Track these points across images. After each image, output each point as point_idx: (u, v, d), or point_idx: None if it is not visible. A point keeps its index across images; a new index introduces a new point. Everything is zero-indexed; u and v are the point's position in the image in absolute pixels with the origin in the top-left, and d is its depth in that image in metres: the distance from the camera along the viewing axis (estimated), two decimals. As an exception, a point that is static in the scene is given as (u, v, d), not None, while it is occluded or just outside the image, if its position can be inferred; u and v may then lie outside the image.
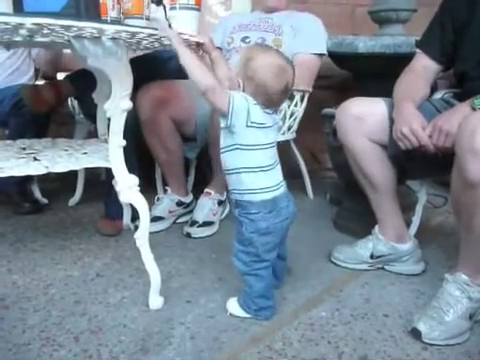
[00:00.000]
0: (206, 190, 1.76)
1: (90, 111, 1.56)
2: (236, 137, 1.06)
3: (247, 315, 1.16)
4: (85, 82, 1.50)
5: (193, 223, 1.69)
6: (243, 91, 1.06)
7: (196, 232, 1.67)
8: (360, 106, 1.34)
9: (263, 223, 1.09)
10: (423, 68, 1.36)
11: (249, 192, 1.08)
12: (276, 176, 1.12)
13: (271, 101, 1.06)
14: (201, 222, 1.69)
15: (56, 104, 1.80)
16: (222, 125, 1.06)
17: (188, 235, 1.67)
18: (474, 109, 1.07)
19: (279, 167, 1.14)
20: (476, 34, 1.25)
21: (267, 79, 1.03)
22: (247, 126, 1.04)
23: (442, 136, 1.11)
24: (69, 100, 2.14)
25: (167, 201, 1.80)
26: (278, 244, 1.15)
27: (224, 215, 1.78)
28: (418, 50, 1.39)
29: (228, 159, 1.10)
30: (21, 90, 1.73)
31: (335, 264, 1.48)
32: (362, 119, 1.31)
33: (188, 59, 1.04)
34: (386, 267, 1.44)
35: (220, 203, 1.75)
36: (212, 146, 1.63)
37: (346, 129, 1.35)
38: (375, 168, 1.36)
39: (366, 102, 1.35)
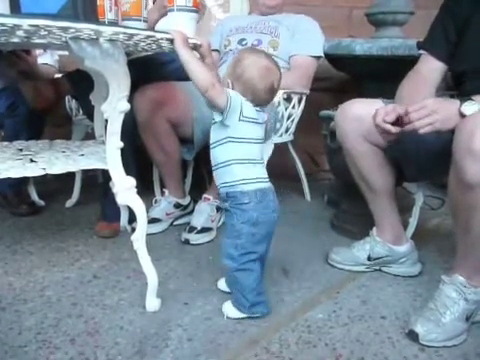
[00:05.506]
0: (205, 196, 1.75)
1: (90, 110, 1.56)
2: (229, 130, 1.11)
3: (243, 315, 1.16)
4: (84, 81, 1.50)
5: (191, 229, 1.67)
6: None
7: (194, 238, 1.65)
8: (359, 108, 1.32)
9: (254, 213, 1.12)
10: (428, 71, 1.32)
11: (242, 182, 1.12)
12: (263, 170, 1.18)
13: (258, 99, 1.12)
14: (199, 228, 1.67)
15: (55, 101, 1.83)
16: (217, 119, 1.10)
17: (186, 241, 1.64)
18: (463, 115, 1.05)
19: (264, 165, 1.20)
20: (478, 32, 1.21)
21: (254, 78, 1.10)
22: (239, 120, 1.10)
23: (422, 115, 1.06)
24: (67, 101, 2.14)
25: (164, 203, 1.79)
26: (265, 237, 1.16)
27: (221, 222, 1.76)
28: (422, 51, 1.35)
29: (219, 153, 1.14)
30: (22, 86, 1.74)
31: (332, 266, 1.48)
32: (361, 120, 1.29)
33: (189, 58, 1.08)
34: (383, 269, 1.44)
35: (218, 209, 1.73)
36: None
37: (345, 131, 1.35)
38: (374, 170, 1.36)
39: (365, 103, 1.32)
